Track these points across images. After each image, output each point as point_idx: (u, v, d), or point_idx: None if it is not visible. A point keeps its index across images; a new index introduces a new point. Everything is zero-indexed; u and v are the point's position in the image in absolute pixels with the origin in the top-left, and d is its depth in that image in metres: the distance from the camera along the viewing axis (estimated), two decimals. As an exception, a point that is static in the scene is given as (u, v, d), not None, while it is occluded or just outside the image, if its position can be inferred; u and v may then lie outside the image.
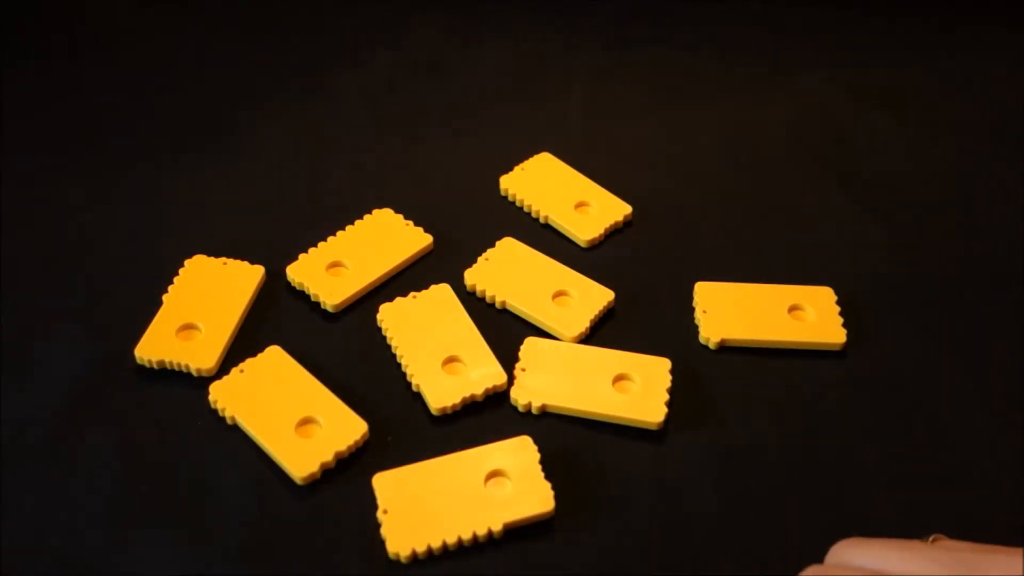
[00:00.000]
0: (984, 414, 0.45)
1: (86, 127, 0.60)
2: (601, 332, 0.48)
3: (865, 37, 0.70)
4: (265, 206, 0.55)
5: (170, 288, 0.48)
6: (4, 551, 0.39)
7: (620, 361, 0.46)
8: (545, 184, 0.55)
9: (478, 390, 0.44)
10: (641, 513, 0.41)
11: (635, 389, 0.45)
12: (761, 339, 0.47)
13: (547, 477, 0.41)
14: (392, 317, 0.48)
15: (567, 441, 0.43)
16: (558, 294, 0.49)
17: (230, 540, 0.40)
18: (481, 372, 0.45)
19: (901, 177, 0.59)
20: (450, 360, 0.46)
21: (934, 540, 0.34)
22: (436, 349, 0.46)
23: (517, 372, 0.45)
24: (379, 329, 0.48)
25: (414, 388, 0.45)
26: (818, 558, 0.33)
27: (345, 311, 0.49)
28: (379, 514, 0.40)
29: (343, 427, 0.43)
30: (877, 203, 0.57)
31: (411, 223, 0.53)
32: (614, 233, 0.54)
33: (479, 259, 0.51)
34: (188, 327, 0.47)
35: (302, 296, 0.49)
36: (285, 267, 0.50)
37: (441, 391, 0.44)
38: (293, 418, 0.43)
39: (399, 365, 0.46)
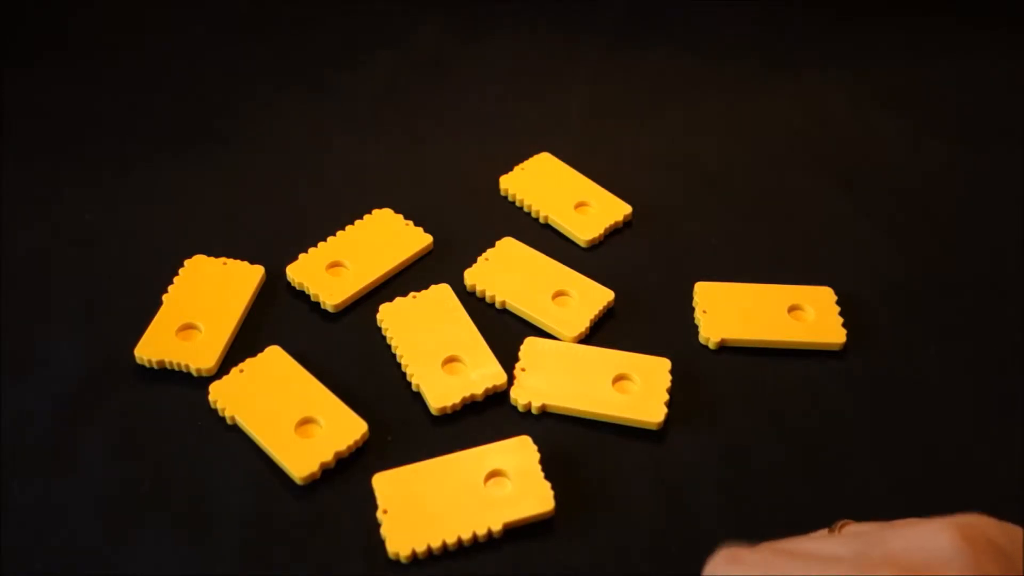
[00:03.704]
0: (984, 414, 0.46)
1: (86, 127, 0.60)
2: (601, 332, 0.48)
3: (865, 37, 0.70)
4: (265, 206, 0.55)
5: (170, 288, 0.48)
6: (4, 551, 0.39)
7: (620, 361, 0.46)
8: (545, 184, 0.55)
9: (478, 390, 0.44)
10: (641, 513, 0.41)
11: (635, 389, 0.45)
12: (761, 339, 0.47)
13: (547, 477, 0.41)
14: (392, 317, 0.48)
15: (567, 441, 0.43)
16: (558, 294, 0.49)
17: (230, 540, 0.40)
18: (481, 372, 0.45)
19: (901, 177, 0.59)
20: (450, 360, 0.46)
21: (842, 527, 0.33)
22: (436, 349, 0.46)
23: (517, 372, 0.45)
24: (379, 329, 0.48)
25: (414, 388, 0.45)
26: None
27: (345, 311, 0.49)
28: (379, 514, 0.40)
29: (343, 427, 0.43)
30: (877, 203, 0.57)
31: (411, 223, 0.53)
32: (614, 233, 0.54)
33: (479, 259, 0.51)
34: (188, 327, 0.47)
35: (302, 296, 0.49)
36: (285, 267, 0.50)
37: (441, 391, 0.44)
38: (293, 418, 0.43)
39: (399, 365, 0.46)
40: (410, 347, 0.46)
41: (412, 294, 0.49)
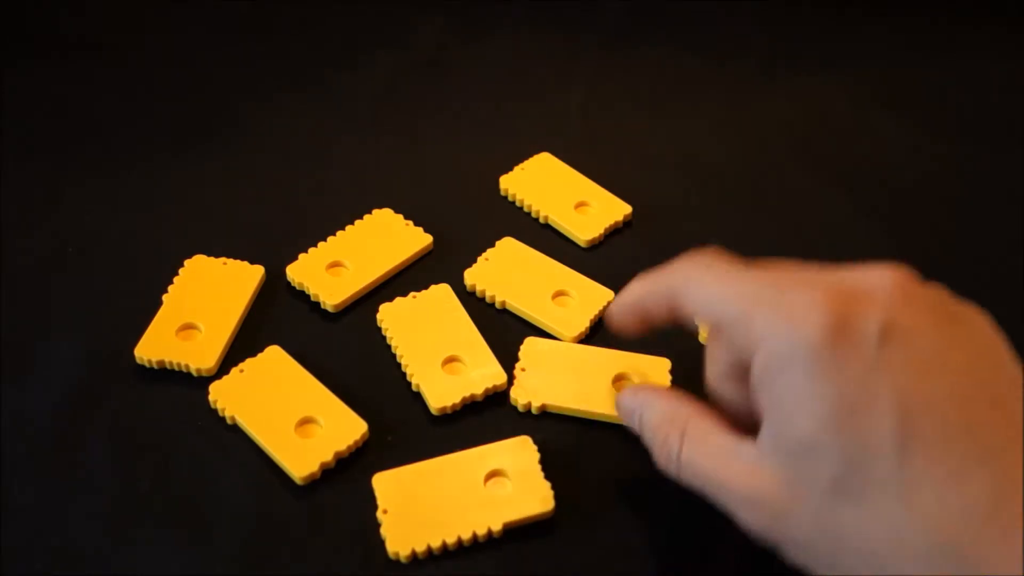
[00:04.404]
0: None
1: (86, 127, 0.60)
2: (601, 332, 0.48)
3: (865, 37, 0.70)
4: (265, 206, 0.55)
5: (170, 288, 0.48)
6: (4, 550, 0.39)
7: (620, 361, 0.46)
8: (545, 184, 0.55)
9: (478, 390, 0.44)
10: (641, 513, 0.41)
11: (635, 389, 0.45)
12: (761, 339, 0.47)
13: (547, 477, 0.41)
14: (392, 317, 0.48)
15: (567, 441, 0.43)
16: (558, 294, 0.49)
17: (230, 540, 0.40)
18: (481, 372, 0.45)
19: (901, 177, 0.59)
20: (450, 360, 0.46)
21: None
22: (436, 349, 0.46)
23: (517, 372, 0.45)
24: (379, 329, 0.48)
25: (414, 388, 0.45)
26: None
27: (345, 311, 0.49)
28: (379, 514, 0.40)
29: (343, 427, 0.43)
30: (877, 203, 0.57)
31: (411, 223, 0.53)
32: (614, 233, 0.54)
33: (479, 259, 0.51)
34: (188, 327, 0.47)
35: (302, 296, 0.49)
36: (285, 267, 0.50)
37: (441, 391, 0.44)
38: (293, 418, 0.43)
39: (399, 365, 0.46)
40: (410, 347, 0.46)
41: (412, 294, 0.49)
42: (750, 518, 0.33)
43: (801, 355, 0.30)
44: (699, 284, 0.35)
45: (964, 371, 0.30)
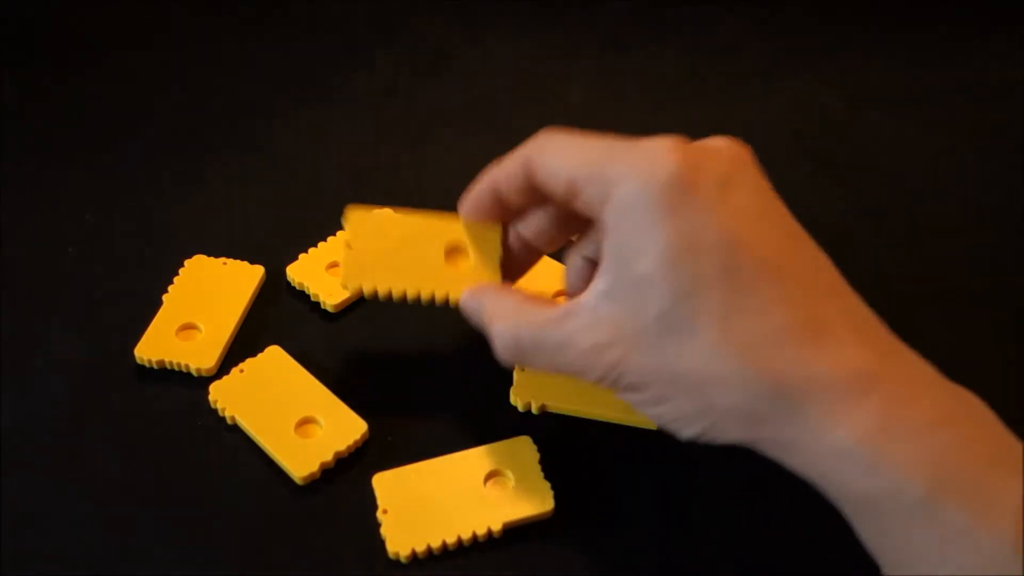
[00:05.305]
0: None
1: (86, 127, 0.60)
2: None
3: (865, 37, 0.70)
4: (265, 206, 0.55)
5: (170, 288, 0.48)
6: (4, 551, 0.39)
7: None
8: (545, 184, 0.55)
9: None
10: (641, 513, 0.41)
11: (635, 389, 0.45)
12: (761, 339, 0.47)
13: (547, 477, 0.41)
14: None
15: (567, 441, 0.43)
16: (559, 293, 0.49)
17: (230, 540, 0.40)
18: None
19: (901, 177, 0.59)
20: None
21: None
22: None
23: (517, 373, 0.45)
24: (380, 329, 0.48)
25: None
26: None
27: (345, 311, 0.49)
28: (379, 514, 0.40)
29: (343, 427, 0.43)
30: (877, 203, 0.57)
31: (411, 223, 0.53)
32: (614, 233, 0.54)
33: (479, 259, 0.51)
34: (188, 327, 0.47)
35: (302, 296, 0.49)
36: (285, 267, 0.50)
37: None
38: (293, 418, 0.43)
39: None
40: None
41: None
42: (594, 372, 0.34)
43: (649, 196, 0.32)
44: (554, 148, 0.37)
45: (784, 224, 0.34)
